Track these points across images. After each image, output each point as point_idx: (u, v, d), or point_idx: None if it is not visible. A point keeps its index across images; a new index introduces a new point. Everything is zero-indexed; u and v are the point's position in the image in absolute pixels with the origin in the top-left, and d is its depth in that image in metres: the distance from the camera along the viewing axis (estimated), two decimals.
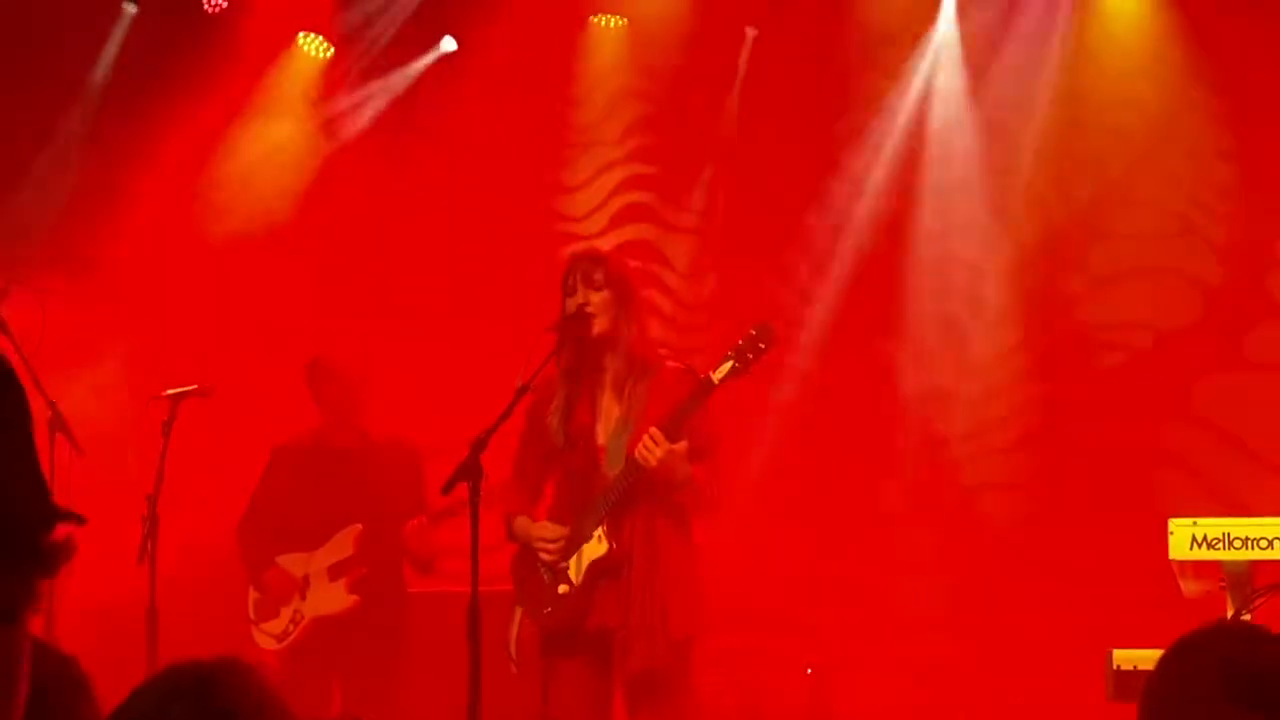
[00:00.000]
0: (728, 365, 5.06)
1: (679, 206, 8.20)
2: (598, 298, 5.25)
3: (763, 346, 5.06)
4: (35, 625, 1.58)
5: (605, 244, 7.67)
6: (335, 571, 6.59)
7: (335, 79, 8.22)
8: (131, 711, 1.84)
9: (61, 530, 1.40)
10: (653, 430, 5.05)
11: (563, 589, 5.25)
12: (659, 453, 5.03)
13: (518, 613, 5.38)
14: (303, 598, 6.59)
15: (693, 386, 5.11)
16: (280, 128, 8.10)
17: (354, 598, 6.56)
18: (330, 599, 6.57)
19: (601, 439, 5.30)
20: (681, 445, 5.09)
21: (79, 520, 1.48)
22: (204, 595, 7.01)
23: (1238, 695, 2.24)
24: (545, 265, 8.11)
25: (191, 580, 6.83)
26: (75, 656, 2.18)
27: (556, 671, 5.26)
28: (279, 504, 6.67)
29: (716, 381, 5.06)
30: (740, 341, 5.09)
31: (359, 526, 6.59)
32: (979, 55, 7.82)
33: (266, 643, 6.59)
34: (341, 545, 6.61)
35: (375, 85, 8.15)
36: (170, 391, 6.11)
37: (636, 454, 5.07)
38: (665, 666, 5.15)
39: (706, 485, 5.21)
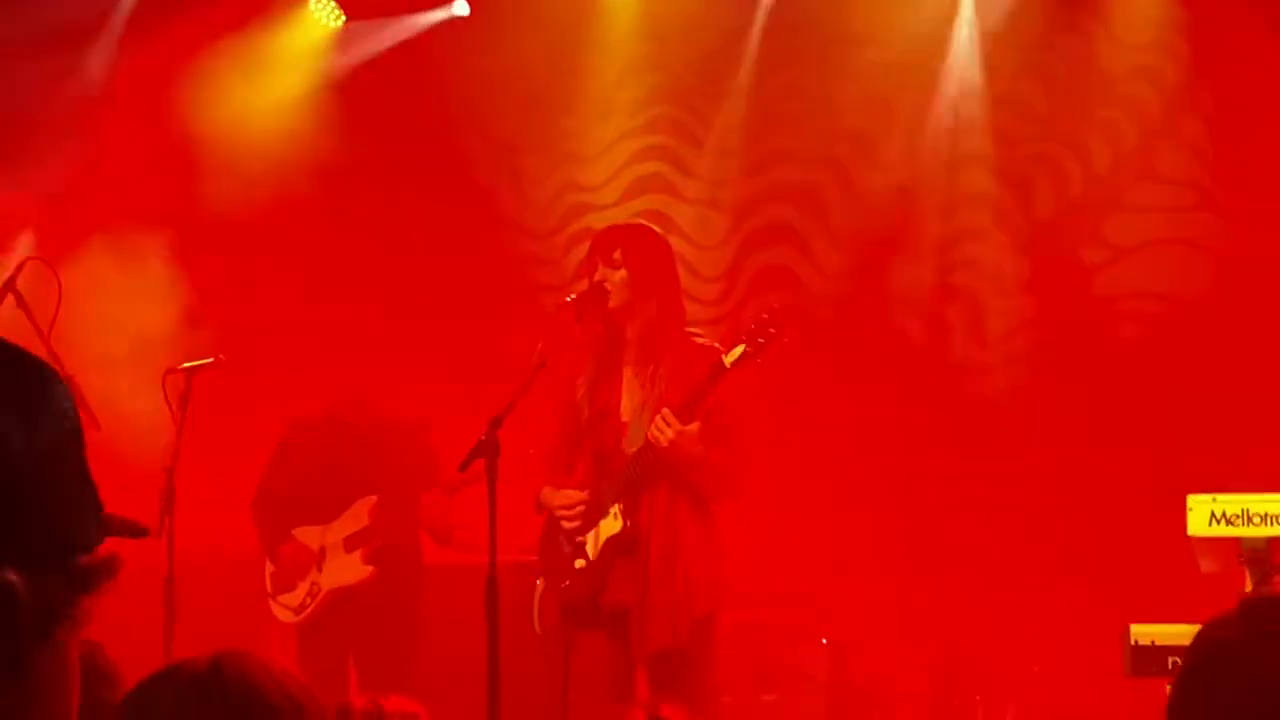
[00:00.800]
0: (739, 350, 5.05)
1: (694, 177, 8.17)
2: (616, 276, 5.25)
3: (774, 331, 5.05)
4: None
5: (621, 214, 7.64)
6: (351, 543, 6.60)
7: (344, 50, 8.17)
8: (131, 699, 1.81)
9: (105, 547, 1.39)
10: (664, 411, 5.06)
11: (579, 563, 5.28)
12: (670, 433, 5.04)
13: (540, 584, 5.41)
14: (319, 570, 6.60)
15: (709, 366, 5.10)
16: (290, 87, 8.07)
17: (370, 568, 6.56)
18: (346, 570, 6.58)
19: (626, 415, 5.31)
20: (694, 427, 5.08)
21: (141, 531, 1.48)
22: (221, 569, 7.02)
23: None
24: (559, 234, 8.12)
25: (209, 554, 6.83)
26: (100, 644, 2.16)
27: (577, 644, 5.29)
28: (294, 477, 6.67)
29: (728, 365, 5.05)
30: (752, 326, 5.08)
31: (374, 498, 6.60)
32: (996, 25, 7.77)
33: (284, 615, 6.60)
34: (357, 516, 6.61)
35: (382, 24, 8.12)
36: (186, 364, 6.11)
37: (649, 434, 5.08)
38: (686, 646, 5.16)
39: (723, 469, 5.21)
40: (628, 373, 5.32)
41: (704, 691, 5.25)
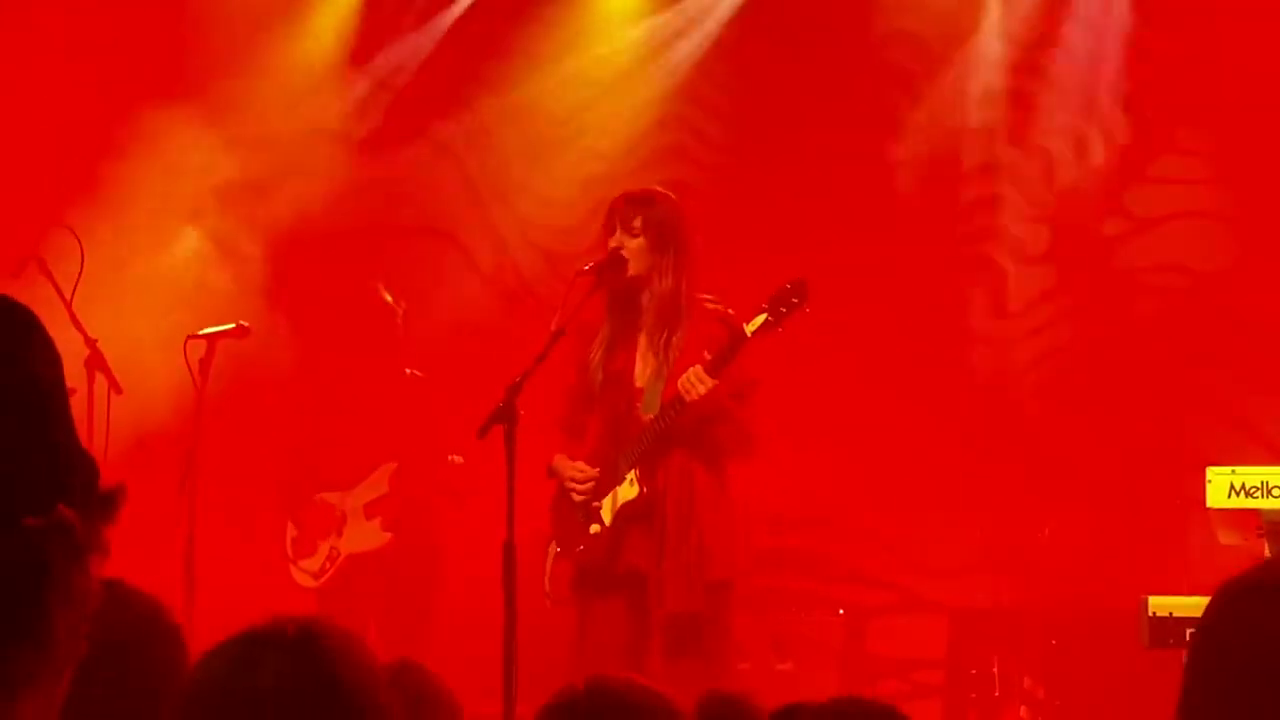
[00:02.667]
0: (761, 318, 5.04)
1: (713, 147, 8.15)
2: (634, 243, 5.23)
3: (796, 301, 5.03)
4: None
5: (641, 182, 7.63)
6: (371, 509, 6.64)
7: (371, 24, 8.14)
8: (221, 657, 1.82)
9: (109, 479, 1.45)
10: (696, 368, 5.05)
11: (595, 528, 5.30)
12: (702, 389, 5.02)
13: (553, 548, 5.42)
14: (339, 535, 6.64)
15: (727, 332, 5.10)
16: (320, 53, 8.07)
17: (389, 535, 6.61)
18: (366, 536, 6.62)
19: (639, 382, 5.31)
20: (716, 384, 5.09)
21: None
22: (242, 533, 7.05)
23: None
24: (579, 204, 8.11)
25: (230, 518, 6.87)
26: (164, 604, 2.20)
27: (591, 610, 5.30)
28: (316, 443, 6.71)
29: (749, 334, 5.04)
30: (774, 295, 5.07)
31: (394, 464, 6.64)
32: None
33: (303, 580, 6.65)
34: (377, 483, 6.65)
35: (416, 37, 8.11)
36: (208, 330, 6.14)
37: (680, 386, 5.06)
38: (700, 610, 5.18)
39: (746, 423, 5.22)
40: (642, 340, 5.32)
41: (719, 655, 5.27)
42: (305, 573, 6.65)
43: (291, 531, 6.70)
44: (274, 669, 1.77)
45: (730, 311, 5.23)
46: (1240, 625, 2.14)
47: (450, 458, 6.58)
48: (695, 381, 5.04)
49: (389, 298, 6.75)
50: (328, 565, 6.63)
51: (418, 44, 8.15)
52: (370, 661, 1.83)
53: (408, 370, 6.80)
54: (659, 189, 5.54)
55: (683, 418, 5.14)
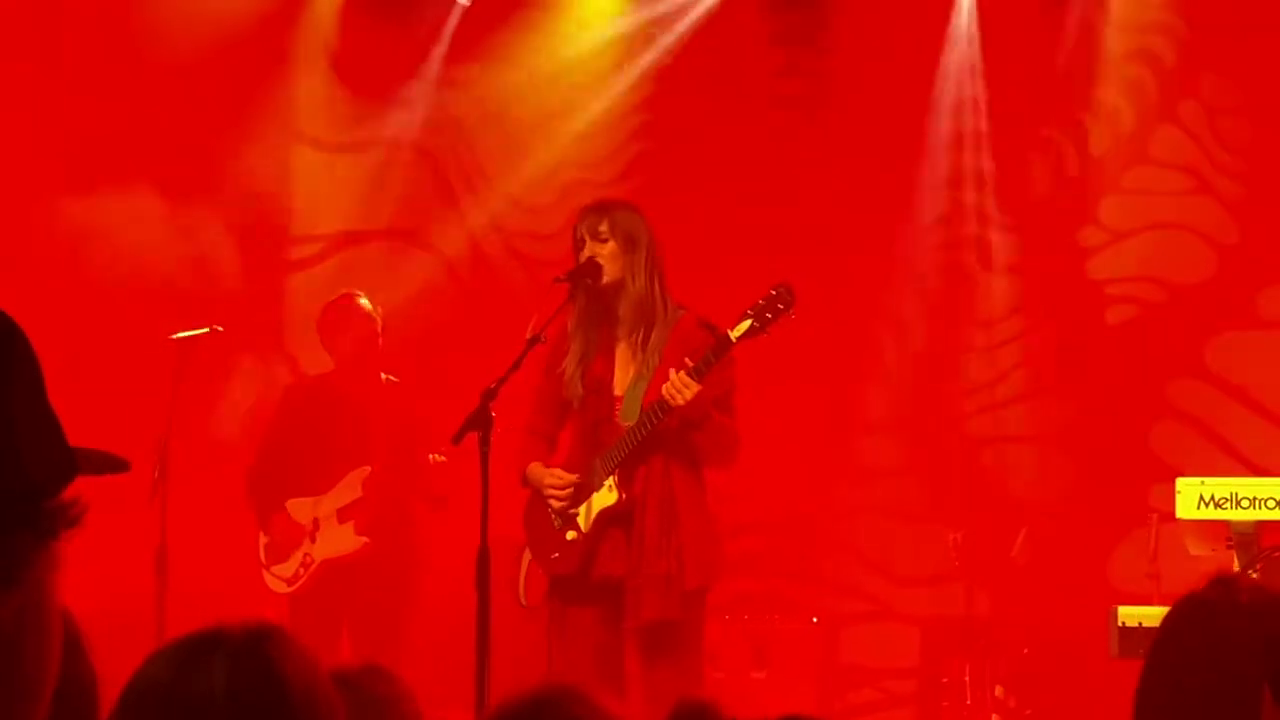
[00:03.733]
0: (746, 324, 5.01)
1: (691, 155, 8.16)
2: (605, 249, 5.23)
3: (782, 307, 5.01)
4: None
5: (618, 191, 7.64)
6: (344, 514, 6.63)
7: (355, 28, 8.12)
8: (164, 660, 1.81)
9: (72, 489, 1.35)
10: (680, 373, 5.02)
11: (571, 535, 5.28)
12: (688, 393, 5.00)
13: (526, 556, 5.41)
14: (312, 541, 6.63)
15: (713, 339, 5.08)
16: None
17: (363, 540, 6.60)
18: (339, 541, 6.61)
19: (618, 389, 5.30)
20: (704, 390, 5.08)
21: (123, 466, 1.45)
22: (214, 539, 7.04)
23: None
24: (556, 210, 8.12)
25: (202, 524, 6.85)
26: (68, 610, 2.12)
27: (565, 619, 5.29)
28: (289, 447, 6.70)
29: (734, 340, 5.03)
30: (760, 301, 5.04)
31: (368, 469, 6.63)
32: (997, 4, 7.78)
33: (277, 586, 6.64)
34: (350, 488, 6.64)
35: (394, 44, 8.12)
36: (181, 334, 6.13)
37: (665, 391, 5.03)
38: (677, 617, 5.16)
39: (728, 428, 5.21)
40: (620, 346, 5.31)
41: (694, 663, 5.26)
42: (279, 579, 6.64)
43: (264, 537, 6.68)
44: (219, 672, 1.76)
45: (711, 325, 5.20)
46: (1189, 639, 2.20)
47: (431, 456, 6.58)
48: (680, 386, 5.02)
49: (368, 305, 6.76)
50: (301, 571, 6.62)
51: (396, 50, 8.15)
52: (316, 665, 1.82)
53: (383, 375, 6.80)
54: (616, 197, 5.55)
55: (666, 423, 5.13)
